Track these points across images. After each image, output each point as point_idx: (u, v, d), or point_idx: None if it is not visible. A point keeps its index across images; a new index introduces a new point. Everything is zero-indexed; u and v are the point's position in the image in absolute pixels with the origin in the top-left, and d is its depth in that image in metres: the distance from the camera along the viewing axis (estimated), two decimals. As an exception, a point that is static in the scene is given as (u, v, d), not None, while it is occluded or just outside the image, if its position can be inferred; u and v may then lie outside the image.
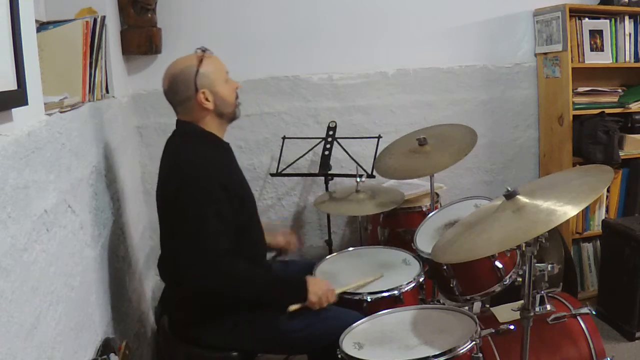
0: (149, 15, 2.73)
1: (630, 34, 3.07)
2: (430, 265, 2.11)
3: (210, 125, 1.91)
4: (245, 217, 1.92)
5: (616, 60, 3.09)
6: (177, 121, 1.94)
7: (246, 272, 1.83)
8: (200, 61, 1.85)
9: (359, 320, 1.81)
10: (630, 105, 3.05)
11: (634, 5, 3.06)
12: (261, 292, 1.84)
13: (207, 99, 1.85)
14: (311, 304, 1.84)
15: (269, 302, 1.87)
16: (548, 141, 3.26)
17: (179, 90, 1.86)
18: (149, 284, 2.70)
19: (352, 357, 1.60)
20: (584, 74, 3.06)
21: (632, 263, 2.70)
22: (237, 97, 1.96)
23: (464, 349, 1.57)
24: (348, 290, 2.00)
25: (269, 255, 2.25)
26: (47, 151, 1.37)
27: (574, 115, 3.02)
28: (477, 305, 2.12)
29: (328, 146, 2.85)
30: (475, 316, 1.73)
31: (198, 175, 1.78)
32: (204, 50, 1.89)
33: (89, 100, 1.99)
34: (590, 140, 2.96)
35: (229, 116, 1.95)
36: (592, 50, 3.03)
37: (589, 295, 3.10)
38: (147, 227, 2.82)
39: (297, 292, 1.85)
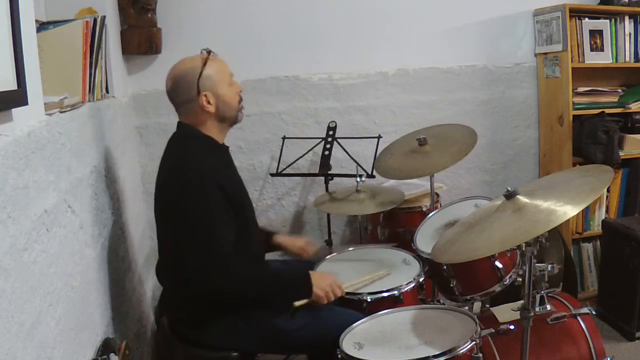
0: (149, 15, 2.73)
1: (630, 34, 3.07)
2: (430, 265, 2.11)
3: (211, 128, 1.89)
4: (244, 218, 1.91)
5: (616, 60, 3.09)
6: (178, 123, 1.94)
7: (252, 272, 1.84)
8: (205, 63, 1.83)
9: (359, 320, 1.81)
10: (630, 105, 3.05)
11: (634, 5, 3.06)
12: (267, 291, 1.85)
13: (209, 102, 1.83)
14: (317, 298, 1.83)
15: (274, 300, 1.87)
16: (548, 141, 3.26)
17: (181, 92, 1.84)
18: (149, 284, 2.70)
19: (352, 357, 1.60)
20: (584, 74, 3.06)
21: (632, 263, 2.70)
22: (240, 101, 1.94)
23: (464, 349, 1.57)
24: (356, 285, 2.02)
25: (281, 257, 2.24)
26: (47, 151, 1.37)
27: (574, 115, 3.02)
28: (477, 305, 2.12)
29: (328, 146, 2.84)
30: (475, 316, 1.73)
31: (198, 180, 1.77)
32: (209, 52, 1.86)
33: (89, 100, 1.99)
34: (590, 140, 2.97)
35: (230, 120, 1.93)
36: (592, 50, 3.03)
37: (589, 295, 3.10)
38: (147, 227, 2.82)
39: (302, 287, 1.84)
